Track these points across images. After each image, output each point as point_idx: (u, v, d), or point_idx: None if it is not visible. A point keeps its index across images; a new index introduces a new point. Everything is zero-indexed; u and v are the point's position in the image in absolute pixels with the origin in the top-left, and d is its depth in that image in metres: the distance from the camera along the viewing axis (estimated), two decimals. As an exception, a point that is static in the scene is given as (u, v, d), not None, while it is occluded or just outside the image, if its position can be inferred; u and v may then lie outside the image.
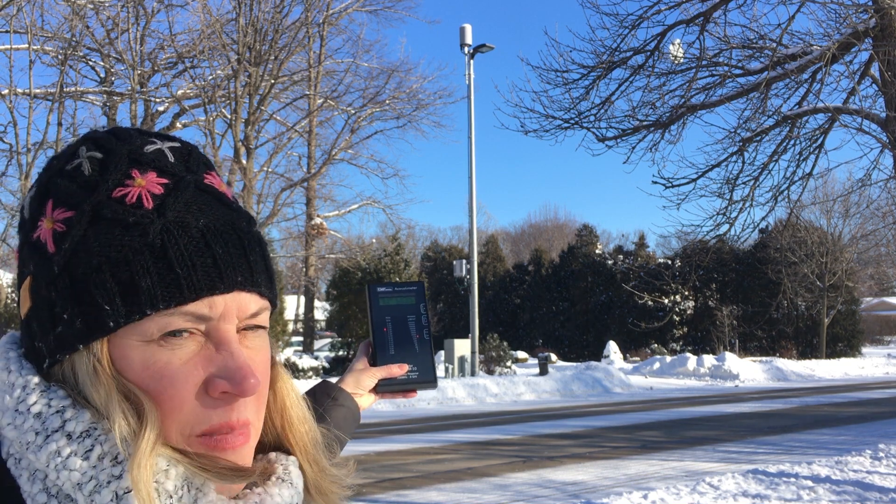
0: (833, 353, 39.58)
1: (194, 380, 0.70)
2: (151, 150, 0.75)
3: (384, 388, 1.24)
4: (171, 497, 0.67)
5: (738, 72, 9.53)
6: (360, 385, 1.23)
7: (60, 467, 0.66)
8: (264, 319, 0.77)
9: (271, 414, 0.82)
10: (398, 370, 1.23)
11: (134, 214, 0.70)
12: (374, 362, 1.25)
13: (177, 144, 0.78)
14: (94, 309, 0.69)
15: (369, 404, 1.26)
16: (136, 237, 0.69)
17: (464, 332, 26.69)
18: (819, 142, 9.69)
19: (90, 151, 0.74)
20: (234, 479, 0.71)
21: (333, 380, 1.26)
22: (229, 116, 22.12)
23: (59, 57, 21.82)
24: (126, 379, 0.69)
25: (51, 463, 0.67)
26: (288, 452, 0.83)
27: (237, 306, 0.73)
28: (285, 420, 0.83)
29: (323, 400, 1.20)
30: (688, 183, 9.69)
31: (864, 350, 44.62)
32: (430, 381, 1.24)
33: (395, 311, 1.26)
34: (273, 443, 0.83)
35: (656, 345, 39.05)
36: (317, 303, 38.22)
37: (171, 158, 0.75)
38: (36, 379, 0.71)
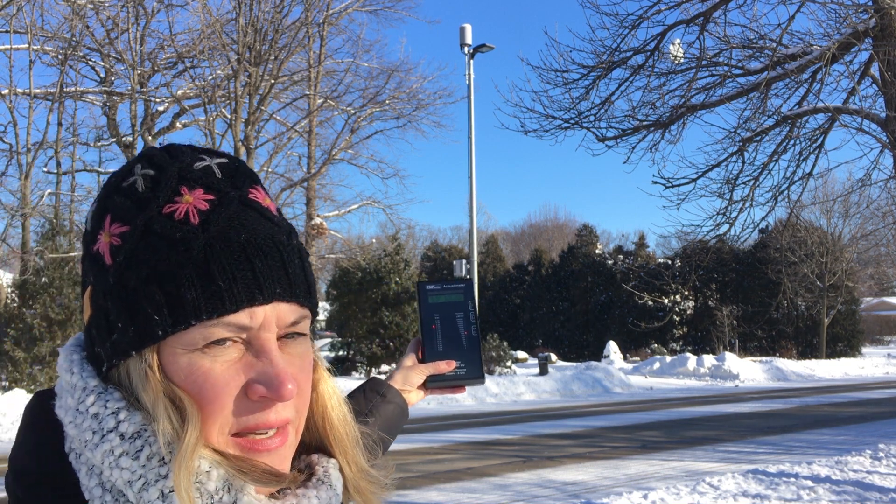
0: (833, 353, 39.60)
1: (235, 384, 0.74)
2: (200, 167, 0.79)
3: (432, 384, 1.27)
4: (211, 498, 0.71)
5: (738, 72, 9.54)
6: (409, 381, 1.27)
7: (113, 465, 0.71)
8: (304, 327, 0.81)
9: (313, 415, 0.87)
10: (446, 367, 1.26)
11: (181, 230, 0.74)
12: (422, 359, 1.27)
13: (225, 161, 0.82)
14: (144, 319, 0.73)
15: (417, 400, 1.30)
16: (182, 252, 0.74)
17: (464, 332, 26.65)
18: (819, 142, 9.70)
19: (144, 169, 0.79)
20: (270, 482, 0.75)
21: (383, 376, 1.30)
22: (229, 116, 22.12)
23: (59, 57, 21.83)
24: (173, 384, 0.74)
25: (105, 461, 0.72)
26: (329, 453, 0.87)
27: (276, 316, 0.77)
28: (327, 421, 0.87)
29: (372, 397, 1.24)
30: (688, 183, 9.71)
31: (864, 350, 44.64)
32: (477, 377, 1.26)
33: (444, 308, 1.29)
34: (315, 443, 0.88)
35: (656, 345, 39.07)
36: (317, 303, 38.10)
37: (219, 174, 0.79)
38: (94, 381, 0.76)
